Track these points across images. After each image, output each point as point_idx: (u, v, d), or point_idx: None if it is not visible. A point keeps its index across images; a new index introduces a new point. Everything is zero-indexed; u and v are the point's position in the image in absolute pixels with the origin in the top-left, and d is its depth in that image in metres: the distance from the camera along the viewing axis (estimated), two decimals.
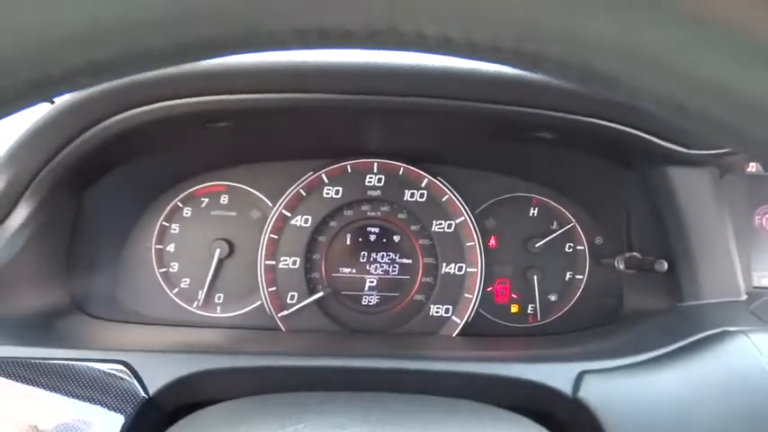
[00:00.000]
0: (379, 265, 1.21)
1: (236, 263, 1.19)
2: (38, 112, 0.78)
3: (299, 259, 1.17)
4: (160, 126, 0.82)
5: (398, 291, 1.20)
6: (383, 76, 0.76)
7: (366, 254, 1.20)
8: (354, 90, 0.78)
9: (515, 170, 1.21)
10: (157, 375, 0.77)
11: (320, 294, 1.16)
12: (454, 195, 1.18)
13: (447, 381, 0.80)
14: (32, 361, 0.75)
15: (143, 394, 0.75)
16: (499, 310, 1.23)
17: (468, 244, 1.20)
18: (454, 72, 0.76)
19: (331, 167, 1.16)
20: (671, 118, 0.24)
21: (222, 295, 1.20)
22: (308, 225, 1.18)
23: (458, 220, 1.19)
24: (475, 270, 1.19)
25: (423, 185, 1.18)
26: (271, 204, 1.18)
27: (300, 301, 1.16)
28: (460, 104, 0.80)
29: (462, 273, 1.19)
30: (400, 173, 1.18)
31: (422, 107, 0.80)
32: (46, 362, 0.75)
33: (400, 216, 1.21)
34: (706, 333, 0.79)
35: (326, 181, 1.17)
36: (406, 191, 1.18)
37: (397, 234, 1.21)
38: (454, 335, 1.16)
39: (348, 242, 1.20)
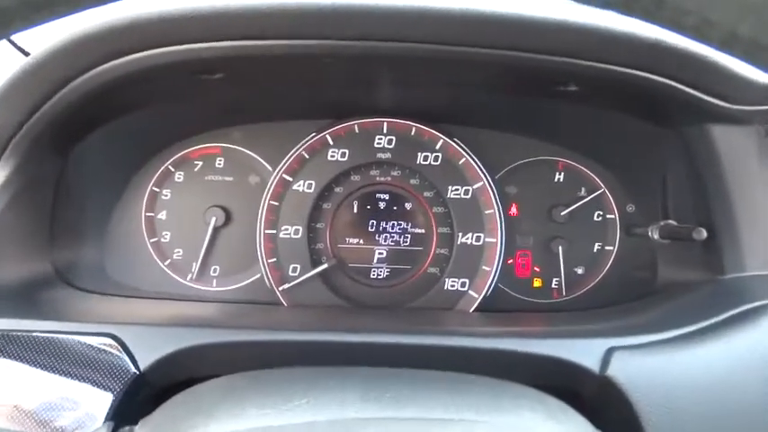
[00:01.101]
0: (389, 235, 1.21)
1: (233, 232, 1.20)
2: (13, 66, 0.77)
3: (301, 228, 1.18)
4: (148, 78, 0.82)
5: (410, 263, 1.21)
6: (392, 20, 0.74)
7: (375, 223, 1.21)
8: (360, 35, 0.76)
9: (539, 130, 1.21)
10: (149, 349, 0.77)
11: (324, 266, 1.17)
12: (472, 158, 1.17)
13: (464, 357, 0.80)
14: (12, 333, 0.74)
15: (133, 370, 0.75)
16: (520, 285, 1.23)
17: (486, 212, 1.19)
18: (471, 14, 0.74)
19: (336, 127, 1.16)
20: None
21: (218, 267, 1.21)
22: (312, 191, 1.17)
23: (476, 186, 1.18)
24: (494, 240, 1.18)
25: (437, 147, 1.17)
26: (270, 168, 1.19)
27: (303, 274, 1.16)
28: (479, 52, 0.79)
29: (480, 243, 1.19)
30: (412, 133, 1.17)
31: (436, 55, 0.79)
32: (27, 334, 0.75)
33: (412, 181, 1.20)
34: (747, 306, 0.78)
35: (331, 142, 1.17)
36: (419, 153, 1.18)
37: (408, 201, 1.20)
38: (471, 310, 1.16)
39: (355, 210, 1.21)
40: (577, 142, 1.20)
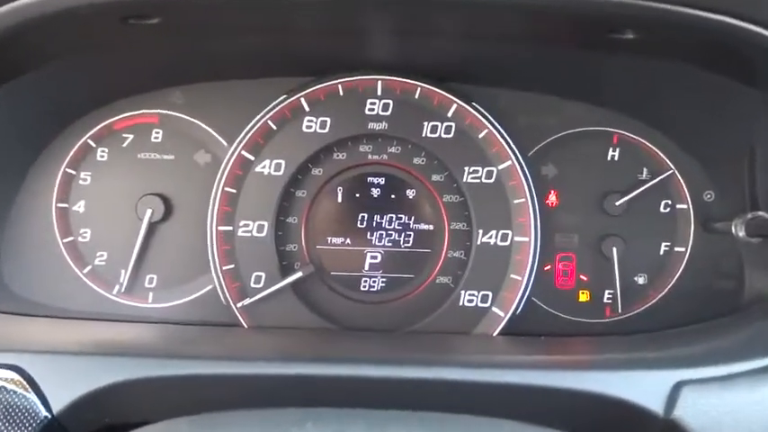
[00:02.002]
0: (384, 233, 1.23)
1: (175, 230, 1.21)
2: None
3: (266, 224, 1.19)
4: (63, 23, 0.83)
5: (413, 270, 1.23)
6: None
7: (366, 216, 1.22)
8: None
9: (586, 93, 1.22)
10: (64, 386, 0.77)
11: (298, 275, 1.18)
12: (496, 129, 1.18)
13: (485, 396, 0.81)
14: None
15: (44, 413, 0.76)
16: (561, 299, 1.25)
17: (515, 201, 1.20)
18: None
19: (314, 88, 1.17)
20: None
21: (155, 277, 1.22)
22: (281, 173, 1.19)
23: (501, 167, 1.19)
24: (526, 240, 1.19)
25: (449, 115, 1.19)
26: (225, 143, 1.21)
27: (269, 286, 1.18)
28: None
29: (507, 244, 1.20)
30: (416, 96, 1.18)
31: None
32: None
33: (416, 161, 1.22)
34: None
35: (307, 108, 1.18)
36: (426, 123, 1.19)
37: (411, 187, 1.22)
38: (495, 334, 1.18)
39: (340, 199, 1.23)
40: (637, 108, 1.21)
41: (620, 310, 1.25)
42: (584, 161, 1.26)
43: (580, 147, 1.27)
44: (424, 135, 1.19)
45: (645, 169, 1.26)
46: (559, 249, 1.26)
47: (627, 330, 1.21)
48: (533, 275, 1.19)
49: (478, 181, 1.20)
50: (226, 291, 1.18)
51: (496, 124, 1.19)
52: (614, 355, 1.01)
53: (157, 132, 1.23)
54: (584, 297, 1.28)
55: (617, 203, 1.24)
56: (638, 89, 1.18)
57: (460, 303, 1.20)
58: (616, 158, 1.27)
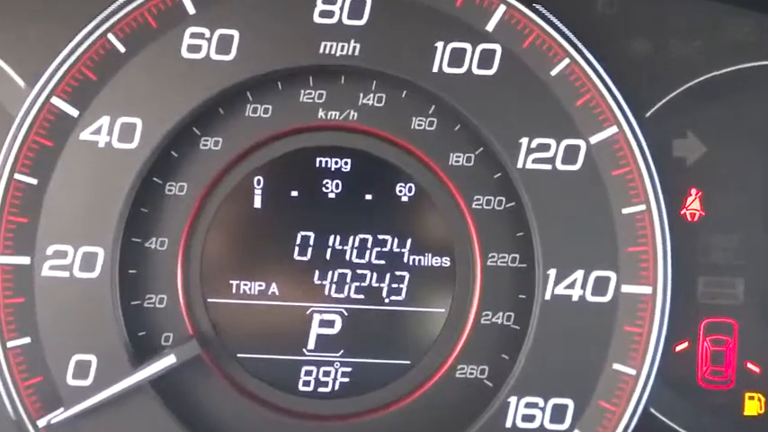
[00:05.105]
0: (350, 273, 0.94)
1: None
2: None
3: (100, 254, 0.90)
4: None
5: (407, 352, 0.95)
6: None
7: (312, 239, 0.94)
8: None
9: None
10: None
11: (166, 363, 0.89)
12: (581, 55, 0.90)
13: None
14: None
15: None
16: (711, 409, 0.98)
17: (624, 211, 0.89)
18: None
19: None
20: None
21: None
22: (132, 146, 0.92)
23: (594, 138, 0.89)
24: (645, 291, 0.87)
25: (489, 28, 0.92)
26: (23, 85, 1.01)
27: (107, 383, 0.88)
28: None
29: (607, 300, 0.89)
30: None
31: None
32: None
33: (417, 122, 0.95)
34: None
35: (192, 10, 0.93)
36: (439, 44, 0.93)
37: (405, 179, 0.95)
38: None
39: (258, 203, 0.95)
40: None
41: None
42: (756, 131, 0.98)
43: (744, 101, 0.98)
44: (435, 69, 0.90)
45: None
46: (707, 310, 0.95)
47: None
48: (655, 364, 0.87)
49: (547, 168, 0.89)
50: (15, 396, 0.90)
51: (582, 48, 0.90)
52: None
53: None
54: (753, 407, 0.95)
55: None
56: None
57: (508, 424, 0.89)
58: None
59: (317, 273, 0.94)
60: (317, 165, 0.94)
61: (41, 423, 0.89)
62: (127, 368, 0.89)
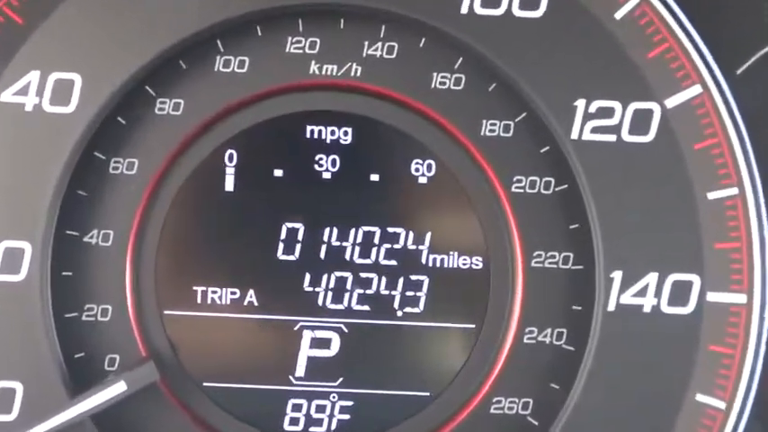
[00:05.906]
0: (352, 277, 0.81)
1: None
2: None
3: (28, 249, 0.80)
4: None
5: (425, 381, 0.83)
6: None
7: (303, 232, 0.81)
8: None
9: None
10: None
11: (115, 392, 0.77)
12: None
13: None
14: None
15: None
16: None
17: (711, 196, 0.77)
18: None
19: None
20: None
21: None
22: (68, 111, 0.79)
23: (671, 102, 0.77)
24: (739, 301, 0.76)
25: None
26: None
27: (39, 419, 0.76)
28: None
29: (689, 311, 0.79)
30: None
31: None
32: None
33: (439, 81, 0.82)
34: None
35: None
36: None
37: (422, 154, 0.83)
38: None
39: (230, 186, 0.82)
40: None
41: None
42: None
43: None
44: (465, 10, 0.79)
45: None
46: None
47: None
48: (750, 396, 0.75)
49: (610, 139, 0.78)
50: None
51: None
52: None
53: None
54: None
55: None
56: None
57: None
58: None
59: (307, 277, 0.81)
60: (308, 135, 0.80)
61: None
62: (62, 398, 0.77)
